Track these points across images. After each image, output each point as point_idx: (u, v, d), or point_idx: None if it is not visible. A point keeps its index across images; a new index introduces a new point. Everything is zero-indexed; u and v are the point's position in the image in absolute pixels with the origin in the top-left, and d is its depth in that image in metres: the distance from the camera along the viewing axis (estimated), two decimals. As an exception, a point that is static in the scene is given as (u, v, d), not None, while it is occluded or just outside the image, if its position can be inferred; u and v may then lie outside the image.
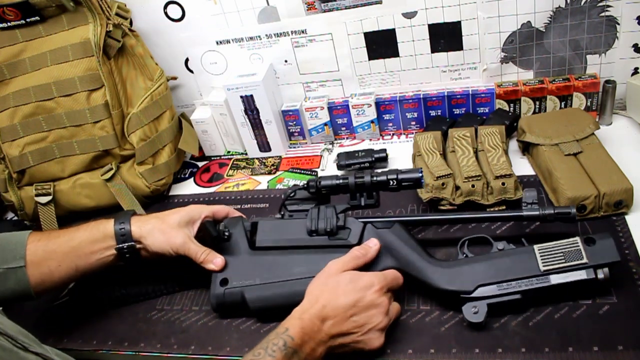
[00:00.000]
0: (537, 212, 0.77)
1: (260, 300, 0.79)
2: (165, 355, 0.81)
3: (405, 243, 0.78)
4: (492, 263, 0.73)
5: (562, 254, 0.71)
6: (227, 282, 0.81)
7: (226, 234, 0.84)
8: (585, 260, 0.69)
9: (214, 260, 0.81)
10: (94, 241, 0.80)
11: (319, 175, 1.11)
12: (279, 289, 0.78)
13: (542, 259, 0.71)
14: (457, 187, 0.92)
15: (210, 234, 0.82)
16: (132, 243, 0.81)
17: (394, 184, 0.80)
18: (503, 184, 0.89)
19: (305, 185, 0.85)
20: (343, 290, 0.70)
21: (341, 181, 0.82)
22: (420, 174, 0.79)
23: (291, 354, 0.64)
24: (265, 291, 0.79)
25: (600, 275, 0.69)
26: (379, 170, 0.83)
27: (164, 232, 0.81)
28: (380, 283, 0.72)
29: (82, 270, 0.81)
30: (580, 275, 0.70)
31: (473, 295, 0.72)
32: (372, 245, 0.78)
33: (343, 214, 0.82)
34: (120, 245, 0.80)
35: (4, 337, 0.59)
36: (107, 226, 0.81)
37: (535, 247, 0.73)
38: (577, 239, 0.71)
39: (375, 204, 0.83)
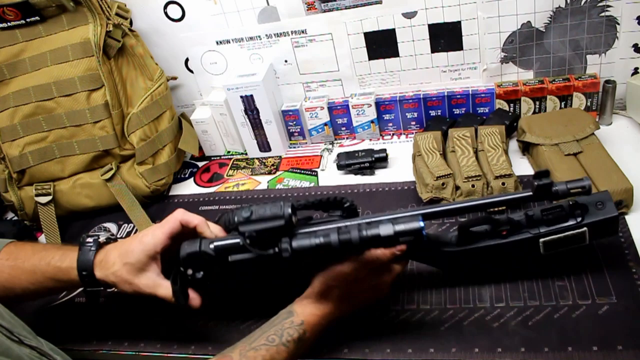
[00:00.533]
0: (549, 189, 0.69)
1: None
2: (166, 355, 0.81)
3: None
4: (495, 255, 0.73)
5: (565, 242, 0.72)
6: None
7: (198, 275, 0.72)
8: (587, 242, 0.71)
9: (190, 303, 0.74)
10: (57, 280, 0.76)
11: (319, 175, 1.11)
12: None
13: (544, 248, 0.72)
14: (457, 187, 0.92)
15: (180, 299, 0.72)
16: (100, 289, 0.77)
17: (390, 239, 0.64)
18: (503, 184, 0.89)
19: (277, 251, 0.66)
20: (360, 295, 0.72)
21: (322, 240, 0.64)
22: (422, 225, 0.63)
23: (301, 346, 0.68)
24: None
25: None
26: (367, 220, 0.66)
27: (130, 283, 0.73)
28: (391, 282, 0.73)
29: (51, 294, 0.81)
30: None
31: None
32: (397, 270, 0.72)
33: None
34: (90, 290, 0.77)
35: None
36: (71, 268, 0.75)
37: (541, 241, 0.72)
38: (585, 231, 0.70)
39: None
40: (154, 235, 0.73)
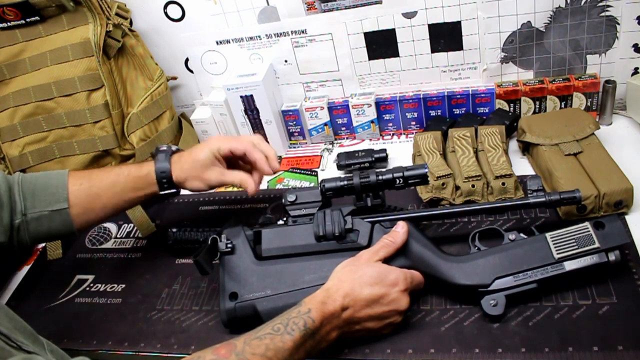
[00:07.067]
0: (543, 199, 0.77)
1: (274, 311, 0.73)
2: (165, 355, 0.81)
3: (416, 240, 0.77)
4: (506, 254, 0.74)
5: (574, 240, 0.72)
6: (236, 296, 0.78)
7: (229, 246, 0.81)
8: (597, 244, 0.71)
9: (248, 184, 0.87)
10: (137, 189, 0.86)
11: (319, 175, 1.11)
12: (292, 299, 0.74)
13: (555, 247, 0.72)
14: (457, 187, 0.92)
15: (212, 255, 0.81)
16: (175, 190, 0.88)
17: (401, 182, 0.79)
18: (503, 184, 0.89)
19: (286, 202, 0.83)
20: (369, 282, 0.71)
21: (346, 182, 0.81)
22: (426, 170, 0.78)
23: (309, 335, 0.66)
24: (277, 302, 0.76)
25: (612, 257, 0.71)
26: (384, 169, 0.81)
27: (200, 178, 0.87)
28: (405, 284, 0.72)
29: (124, 209, 0.89)
30: (593, 259, 0.71)
31: (490, 288, 0.72)
32: (399, 229, 0.77)
33: (350, 216, 0.80)
34: (164, 192, 0.88)
35: None
36: (150, 173, 0.86)
37: (547, 235, 0.73)
38: (587, 224, 0.73)
39: (382, 203, 0.82)
40: (219, 140, 0.89)
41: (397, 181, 0.79)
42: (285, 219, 0.84)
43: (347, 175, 0.81)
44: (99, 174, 0.87)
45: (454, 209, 0.82)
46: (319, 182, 0.83)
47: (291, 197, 0.84)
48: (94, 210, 0.85)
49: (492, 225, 0.82)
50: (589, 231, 0.72)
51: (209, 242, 0.81)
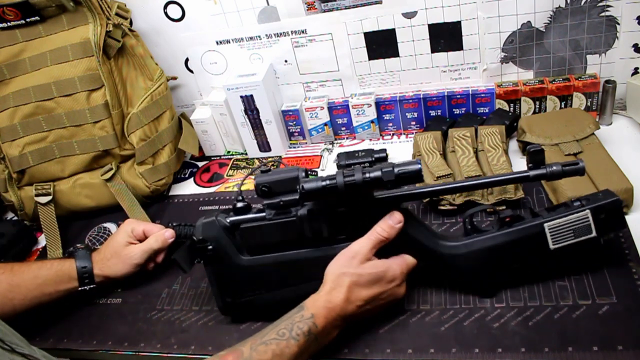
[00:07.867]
0: (544, 171, 0.71)
1: (273, 305, 0.75)
2: (165, 355, 0.81)
3: (411, 229, 0.74)
4: (503, 247, 0.73)
5: (571, 231, 0.71)
6: (231, 297, 0.78)
7: (209, 248, 0.77)
8: (594, 234, 0.71)
9: (165, 236, 0.91)
10: (58, 282, 0.87)
11: (318, 175, 1.11)
12: (290, 294, 0.75)
13: (552, 237, 0.72)
14: (457, 187, 0.92)
15: (189, 262, 0.77)
16: (94, 285, 0.89)
17: (391, 181, 0.69)
18: (503, 184, 0.89)
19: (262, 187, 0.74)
20: (367, 284, 0.72)
21: (328, 182, 0.70)
22: (419, 165, 0.68)
23: (312, 340, 0.68)
24: (275, 297, 0.77)
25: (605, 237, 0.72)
26: (371, 167, 0.72)
27: (121, 258, 0.89)
28: (402, 277, 0.74)
29: (45, 303, 0.87)
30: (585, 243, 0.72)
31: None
32: (395, 223, 0.73)
33: None
34: (82, 288, 0.88)
35: None
36: (71, 267, 0.88)
37: (545, 225, 0.72)
38: (587, 212, 0.71)
39: None
40: (132, 222, 0.94)
41: (388, 184, 0.69)
42: (263, 208, 0.77)
43: (330, 174, 0.71)
44: (21, 265, 0.88)
45: (449, 186, 0.75)
46: (299, 183, 0.72)
47: (262, 183, 0.74)
48: (12, 301, 0.84)
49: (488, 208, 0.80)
50: (588, 221, 0.71)
51: (188, 244, 0.78)
